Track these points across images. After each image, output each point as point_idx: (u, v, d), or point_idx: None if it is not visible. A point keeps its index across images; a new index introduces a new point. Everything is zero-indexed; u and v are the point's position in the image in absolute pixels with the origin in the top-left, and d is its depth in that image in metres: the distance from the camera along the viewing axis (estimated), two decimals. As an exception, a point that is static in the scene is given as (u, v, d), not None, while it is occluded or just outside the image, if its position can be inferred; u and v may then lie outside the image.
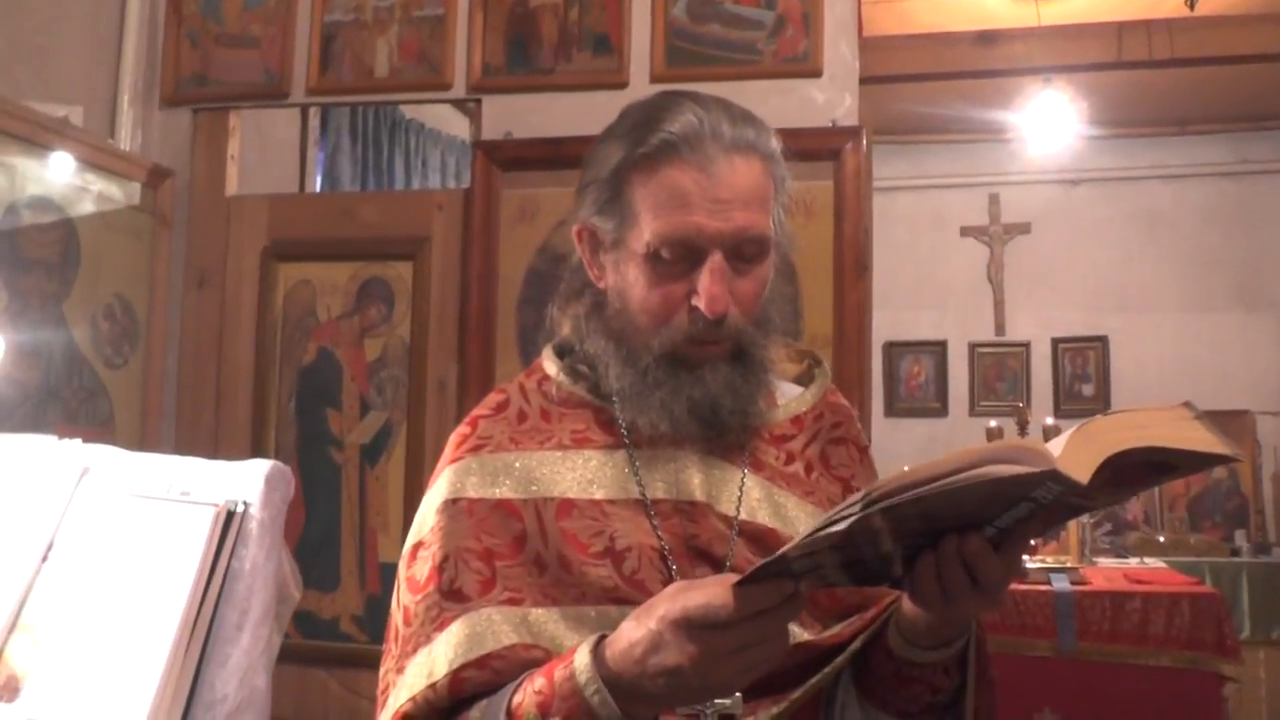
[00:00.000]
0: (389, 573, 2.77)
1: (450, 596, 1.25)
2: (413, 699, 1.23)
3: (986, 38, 5.47)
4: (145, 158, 3.12)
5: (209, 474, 1.36)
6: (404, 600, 1.30)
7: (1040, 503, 0.97)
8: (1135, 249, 7.33)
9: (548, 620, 1.24)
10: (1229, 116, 7.06)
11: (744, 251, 1.28)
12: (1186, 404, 0.99)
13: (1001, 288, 7.57)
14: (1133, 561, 5.17)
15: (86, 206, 2.86)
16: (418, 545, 1.32)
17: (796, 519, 1.34)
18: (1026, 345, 7.52)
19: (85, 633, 1.27)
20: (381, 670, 1.31)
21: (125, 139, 3.13)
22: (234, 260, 3.12)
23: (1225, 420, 5.31)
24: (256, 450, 3.00)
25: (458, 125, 5.25)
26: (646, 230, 1.27)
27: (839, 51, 2.88)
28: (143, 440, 2.97)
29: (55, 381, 2.74)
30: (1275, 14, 5.20)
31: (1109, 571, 4.62)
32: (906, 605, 1.21)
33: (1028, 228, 7.54)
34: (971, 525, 1.04)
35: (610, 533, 1.29)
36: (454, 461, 1.35)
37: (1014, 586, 4.04)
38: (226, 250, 3.13)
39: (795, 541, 0.98)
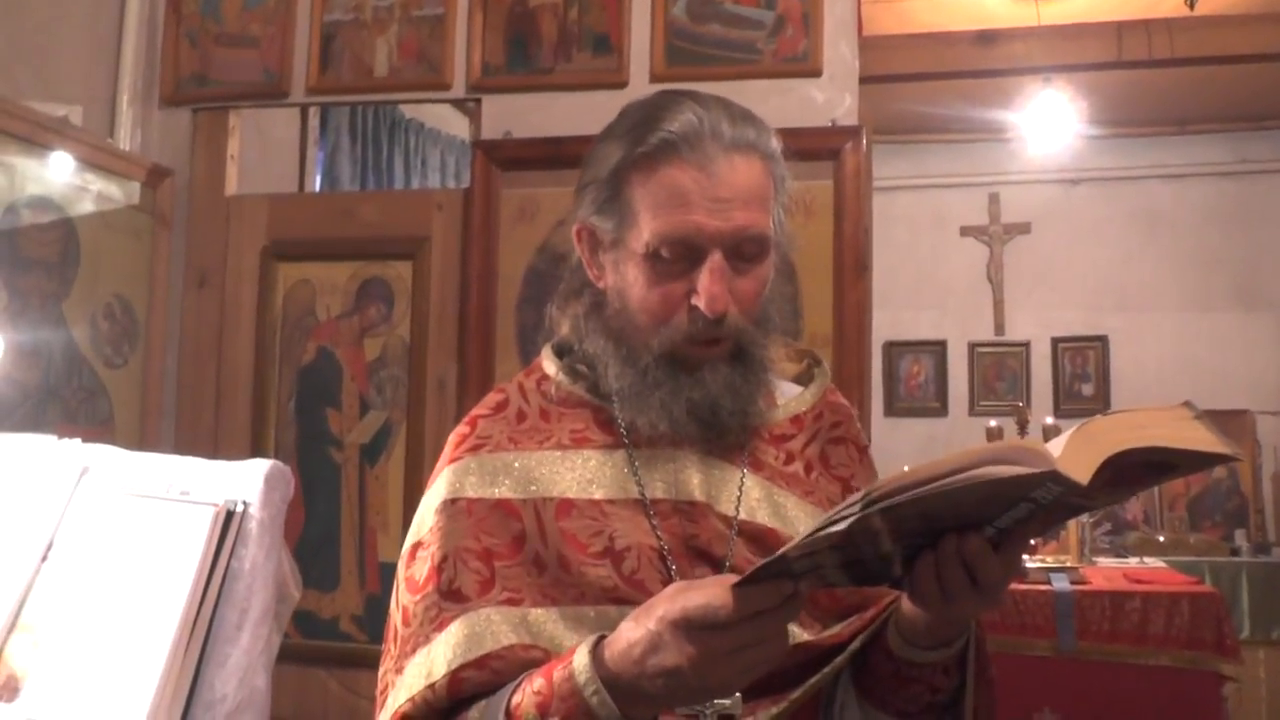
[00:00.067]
0: (388, 572, 2.77)
1: (449, 597, 1.25)
2: (411, 699, 1.23)
3: (986, 37, 5.47)
4: (145, 157, 3.12)
5: (209, 474, 1.36)
6: (403, 600, 1.30)
7: (1040, 503, 0.97)
8: (1135, 248, 7.33)
9: (547, 620, 1.24)
10: (1228, 116, 7.06)
11: (743, 251, 1.28)
12: (1186, 404, 0.99)
13: (1001, 287, 7.57)
14: (1132, 561, 5.16)
15: (86, 206, 2.86)
16: (417, 545, 1.32)
17: (796, 519, 1.34)
18: (1026, 345, 7.52)
19: (85, 632, 1.27)
20: (380, 670, 1.31)
21: (125, 139, 3.13)
22: (234, 260, 3.12)
23: (1225, 420, 5.31)
24: (256, 450, 3.01)
25: (457, 125, 5.25)
26: (646, 230, 1.27)
27: (839, 51, 2.88)
28: (142, 440, 2.97)
29: (55, 381, 2.74)
30: (1275, 14, 5.20)
31: (1109, 571, 4.62)
32: (906, 605, 1.21)
33: (1027, 227, 7.54)
34: (971, 525, 1.04)
35: (609, 533, 1.28)
36: (453, 461, 1.35)
37: (1014, 586, 4.03)
38: (226, 250, 3.13)
39: (795, 542, 0.98)
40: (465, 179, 3.16)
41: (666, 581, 1.26)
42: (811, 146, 2.73)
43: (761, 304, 1.33)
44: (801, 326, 2.75)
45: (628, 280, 1.31)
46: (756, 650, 1.02)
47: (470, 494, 1.31)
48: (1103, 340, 7.37)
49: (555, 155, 2.88)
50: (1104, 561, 5.03)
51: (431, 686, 1.22)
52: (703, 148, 1.25)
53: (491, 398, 1.43)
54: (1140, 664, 3.95)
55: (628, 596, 1.24)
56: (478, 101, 3.08)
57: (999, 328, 7.57)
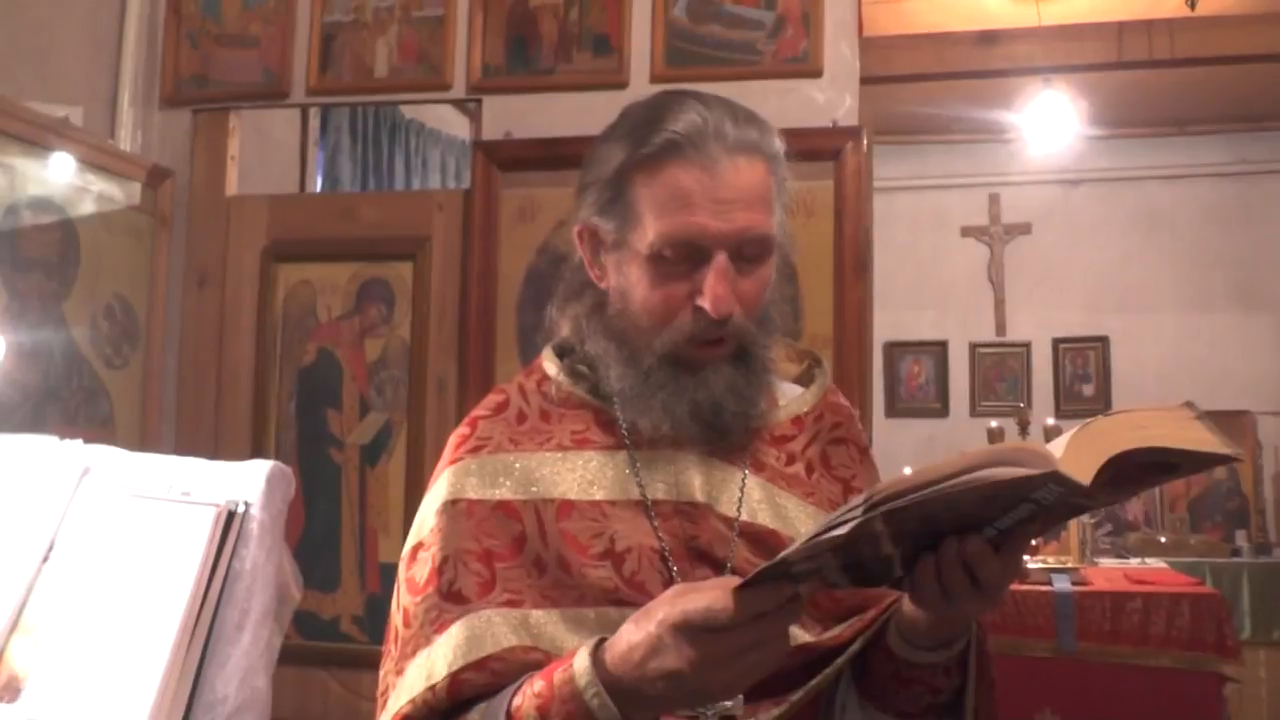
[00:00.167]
0: (389, 573, 2.77)
1: (450, 598, 1.25)
2: (412, 701, 1.22)
3: (987, 38, 5.47)
4: (145, 158, 3.12)
5: (209, 474, 1.36)
6: (403, 602, 1.30)
7: (1042, 504, 0.96)
8: (1135, 249, 7.33)
9: (547, 622, 1.24)
10: (1228, 117, 7.06)
11: (747, 252, 1.28)
12: (1187, 404, 0.99)
13: (1002, 288, 7.57)
14: (1133, 562, 5.17)
15: (86, 207, 2.86)
16: (417, 547, 1.32)
17: (797, 520, 1.34)
18: (1027, 345, 7.52)
19: (86, 633, 1.27)
20: (381, 672, 1.30)
21: (125, 139, 3.13)
22: (234, 260, 3.12)
23: (1226, 420, 5.31)
24: (257, 450, 3.00)
25: (458, 125, 5.25)
26: (650, 230, 1.26)
27: (839, 51, 2.88)
28: (143, 440, 2.97)
29: (55, 382, 2.74)
30: (1275, 14, 5.19)
31: (1109, 572, 4.62)
32: (907, 606, 1.21)
33: (1028, 228, 7.54)
34: (972, 526, 1.04)
35: (610, 534, 1.28)
36: (453, 462, 1.35)
37: (1014, 587, 4.03)
38: (226, 250, 3.13)
39: (796, 546, 0.98)
40: (465, 179, 3.16)
41: (668, 583, 1.26)
42: (812, 147, 2.73)
43: (763, 305, 1.33)
44: (802, 327, 2.75)
45: (631, 281, 1.31)
46: (757, 653, 1.02)
47: (471, 495, 1.31)
48: (1103, 341, 7.36)
49: (555, 156, 2.88)
50: (1105, 562, 5.03)
51: (432, 688, 1.21)
52: (707, 149, 1.25)
53: (492, 399, 1.43)
54: (1141, 665, 3.95)
55: (628, 598, 1.24)
56: (478, 102, 3.08)
57: (1000, 328, 7.56)
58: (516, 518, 1.29)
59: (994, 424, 4.98)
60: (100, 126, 3.11)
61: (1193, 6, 4.99)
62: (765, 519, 1.33)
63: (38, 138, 2.70)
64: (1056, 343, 7.45)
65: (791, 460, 1.40)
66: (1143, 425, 0.94)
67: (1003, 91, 6.23)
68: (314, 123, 3.85)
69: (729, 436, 1.33)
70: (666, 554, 1.29)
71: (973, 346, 7.59)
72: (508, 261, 2.96)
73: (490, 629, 1.22)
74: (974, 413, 7.43)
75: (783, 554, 0.98)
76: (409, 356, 2.99)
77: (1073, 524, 4.44)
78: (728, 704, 1.15)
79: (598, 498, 1.31)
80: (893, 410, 7.58)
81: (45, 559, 1.35)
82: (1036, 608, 4.04)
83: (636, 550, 1.28)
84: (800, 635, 1.25)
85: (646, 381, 1.31)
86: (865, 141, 2.82)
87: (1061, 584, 4.11)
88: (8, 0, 3.02)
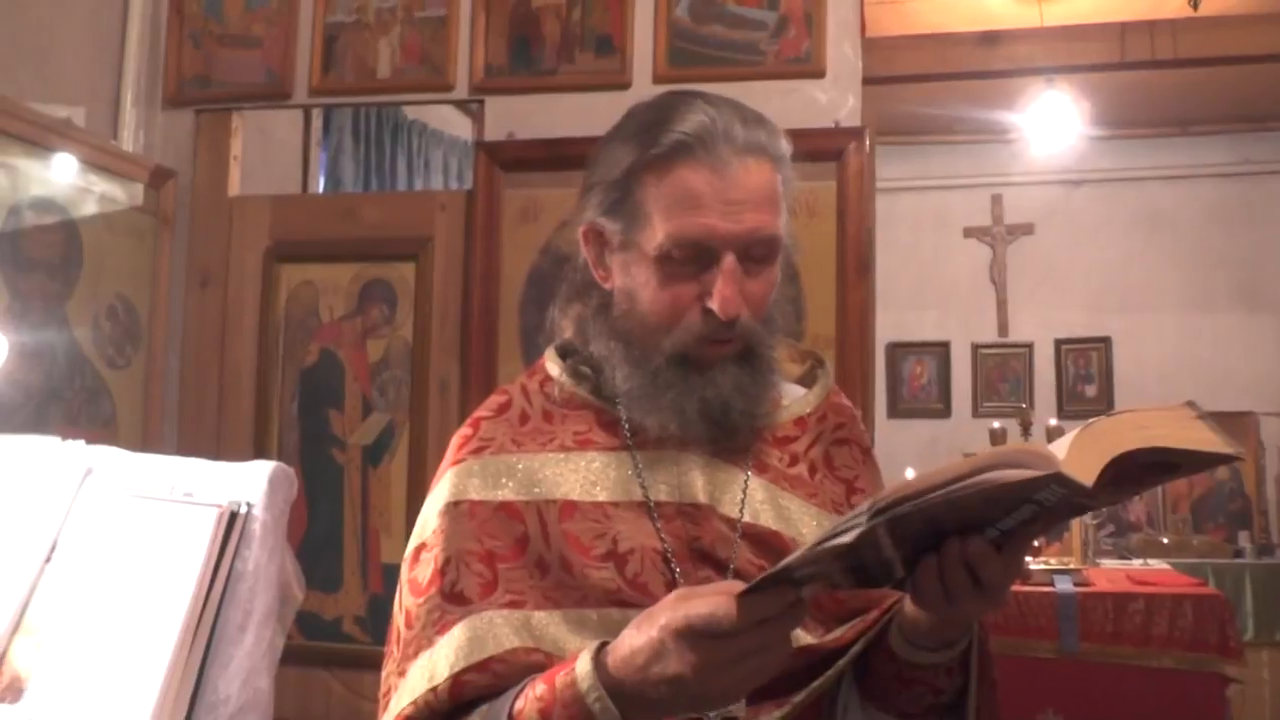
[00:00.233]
0: (391, 573, 2.77)
1: (452, 599, 1.25)
2: (414, 702, 1.22)
3: (989, 38, 5.47)
4: (148, 158, 3.12)
5: (212, 475, 1.36)
6: (406, 603, 1.30)
7: (1044, 505, 0.96)
8: (1138, 249, 7.33)
9: (549, 623, 1.24)
10: (1231, 117, 7.05)
11: (754, 253, 1.28)
12: (1189, 403, 0.99)
13: (1004, 288, 7.57)
14: (1136, 563, 5.17)
15: (89, 207, 2.86)
16: (420, 548, 1.32)
17: (800, 521, 1.34)
18: (1029, 346, 7.51)
19: (88, 634, 1.27)
20: (383, 673, 1.30)
21: (128, 140, 3.13)
22: (236, 261, 3.12)
23: (1228, 421, 5.30)
24: (259, 451, 3.00)
25: (460, 126, 5.25)
26: (659, 231, 1.26)
27: (842, 52, 2.88)
28: (145, 441, 2.97)
29: (58, 382, 2.74)
30: (1278, 14, 5.19)
31: (1112, 573, 4.62)
32: (908, 606, 1.21)
33: (1030, 228, 7.54)
34: (974, 527, 1.04)
35: (613, 535, 1.28)
36: (456, 463, 1.35)
37: (1017, 588, 4.04)
38: (229, 251, 3.13)
39: (800, 553, 0.98)
40: (468, 180, 3.16)
41: (670, 584, 1.26)
42: (814, 147, 2.72)
43: (769, 306, 1.34)
44: (804, 328, 2.75)
45: (638, 281, 1.31)
46: (760, 658, 1.02)
47: (473, 496, 1.31)
48: (1106, 341, 7.36)
49: (558, 156, 2.88)
50: (1107, 563, 5.03)
51: (434, 689, 1.21)
52: (716, 150, 1.25)
53: (494, 399, 1.43)
54: (1143, 666, 3.95)
55: (631, 599, 1.24)
56: (480, 103, 3.08)
57: (1002, 329, 7.56)
58: (519, 518, 1.29)
59: (996, 425, 4.99)
60: (103, 127, 3.11)
61: (1195, 7, 4.99)
62: (768, 520, 1.33)
63: (40, 138, 2.71)
64: (1059, 343, 7.45)
65: (794, 461, 1.40)
66: (1145, 425, 0.94)
67: (1005, 92, 6.23)
68: (316, 123, 3.86)
69: (736, 436, 1.34)
70: (669, 555, 1.28)
71: (975, 347, 7.59)
72: (510, 262, 2.96)
73: (492, 630, 1.22)
74: (976, 413, 7.43)
75: (786, 561, 0.98)
76: (411, 357, 2.99)
77: (1075, 525, 4.44)
78: (730, 706, 1.15)
79: (600, 499, 1.31)
80: (895, 411, 7.58)
81: (48, 560, 1.35)
82: (1039, 608, 4.04)
83: (639, 551, 1.28)
84: (803, 637, 1.25)
85: (655, 381, 1.31)
86: (868, 142, 2.82)
87: (1064, 585, 4.11)
88: (10, 0, 3.02)
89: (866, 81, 2.92)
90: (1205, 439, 0.95)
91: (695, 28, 2.93)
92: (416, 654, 1.24)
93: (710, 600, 1.01)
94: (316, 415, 3.02)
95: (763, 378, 1.34)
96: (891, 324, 6.97)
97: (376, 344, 3.02)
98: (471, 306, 2.95)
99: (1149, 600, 4.02)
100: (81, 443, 1.45)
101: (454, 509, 1.31)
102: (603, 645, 1.10)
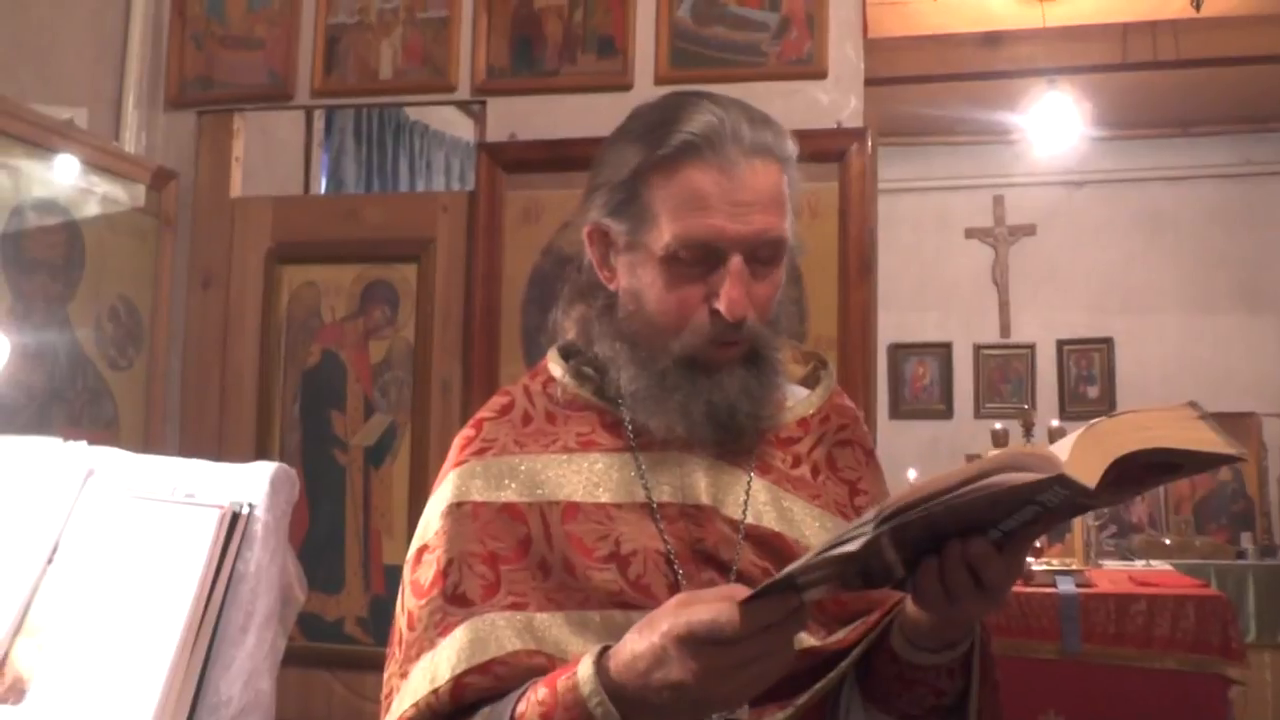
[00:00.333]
0: (394, 574, 2.77)
1: (454, 601, 1.25)
2: (415, 704, 1.22)
3: (991, 39, 5.46)
4: (150, 160, 3.12)
5: (214, 476, 1.36)
6: (408, 605, 1.29)
7: (1046, 506, 0.97)
8: (1139, 250, 7.33)
9: (551, 625, 1.24)
10: (1233, 118, 7.05)
11: (761, 254, 1.28)
12: (1191, 404, 0.99)
13: (1006, 289, 7.57)
14: (1138, 564, 5.16)
15: (91, 208, 2.86)
16: (422, 549, 1.31)
17: (803, 522, 1.34)
18: (1031, 347, 7.51)
19: (90, 635, 1.27)
20: (385, 674, 1.30)
21: (130, 141, 3.13)
22: (238, 262, 3.12)
23: (1231, 422, 5.29)
24: (261, 452, 3.00)
25: (462, 127, 5.25)
26: (666, 232, 1.26)
27: (844, 53, 2.88)
28: (147, 442, 2.97)
29: (60, 383, 2.74)
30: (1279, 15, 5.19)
31: (1114, 574, 4.62)
32: (910, 607, 1.21)
33: (1032, 229, 7.54)
34: (976, 528, 1.04)
35: (616, 536, 1.28)
36: (458, 465, 1.35)
37: (1019, 589, 4.04)
38: (231, 252, 3.13)
39: (804, 561, 0.98)
40: (470, 181, 3.16)
41: (672, 586, 1.26)
42: (816, 148, 2.71)
43: (774, 308, 1.33)
44: (807, 329, 2.75)
45: (644, 283, 1.30)
46: (762, 664, 1.02)
47: (476, 497, 1.31)
48: (1108, 342, 7.36)
49: (560, 157, 2.88)
50: (1109, 564, 5.03)
51: (435, 692, 1.21)
52: (724, 150, 1.25)
53: (497, 400, 1.43)
54: (1145, 667, 3.94)
55: (633, 601, 1.24)
56: (482, 104, 3.08)
57: (1004, 330, 7.56)
58: (522, 520, 1.29)
59: (998, 426, 4.98)
60: (105, 128, 3.11)
61: (1197, 8, 4.98)
62: (771, 522, 1.33)
63: (42, 139, 2.71)
64: (1061, 344, 7.45)
65: (797, 462, 1.39)
66: (1147, 426, 0.94)
67: (1007, 93, 6.22)
68: (318, 124, 3.85)
69: (742, 438, 1.33)
70: (672, 557, 1.28)
71: (977, 348, 7.58)
72: (512, 263, 2.96)
73: (494, 632, 1.22)
74: (978, 414, 7.43)
75: (790, 568, 0.98)
76: (413, 358, 2.99)
77: (1077, 526, 4.44)
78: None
79: (603, 500, 1.31)
80: (897, 412, 7.58)
81: (49, 561, 1.35)
82: (1041, 610, 4.03)
83: (642, 553, 1.28)
84: (805, 639, 1.25)
85: (662, 383, 1.30)
86: (870, 143, 2.82)
87: (1066, 586, 4.11)
88: (12, 1, 3.02)
89: (868, 82, 2.91)
90: (1207, 439, 0.95)
91: (697, 29, 2.93)
92: (418, 656, 1.24)
93: (713, 607, 1.00)
94: (318, 416, 3.02)
95: (768, 380, 1.34)
96: (893, 325, 6.97)
97: (378, 345, 3.02)
98: (473, 307, 2.95)
99: (1151, 601, 4.01)
100: (83, 444, 1.45)
101: (457, 510, 1.30)
102: (605, 649, 1.10)
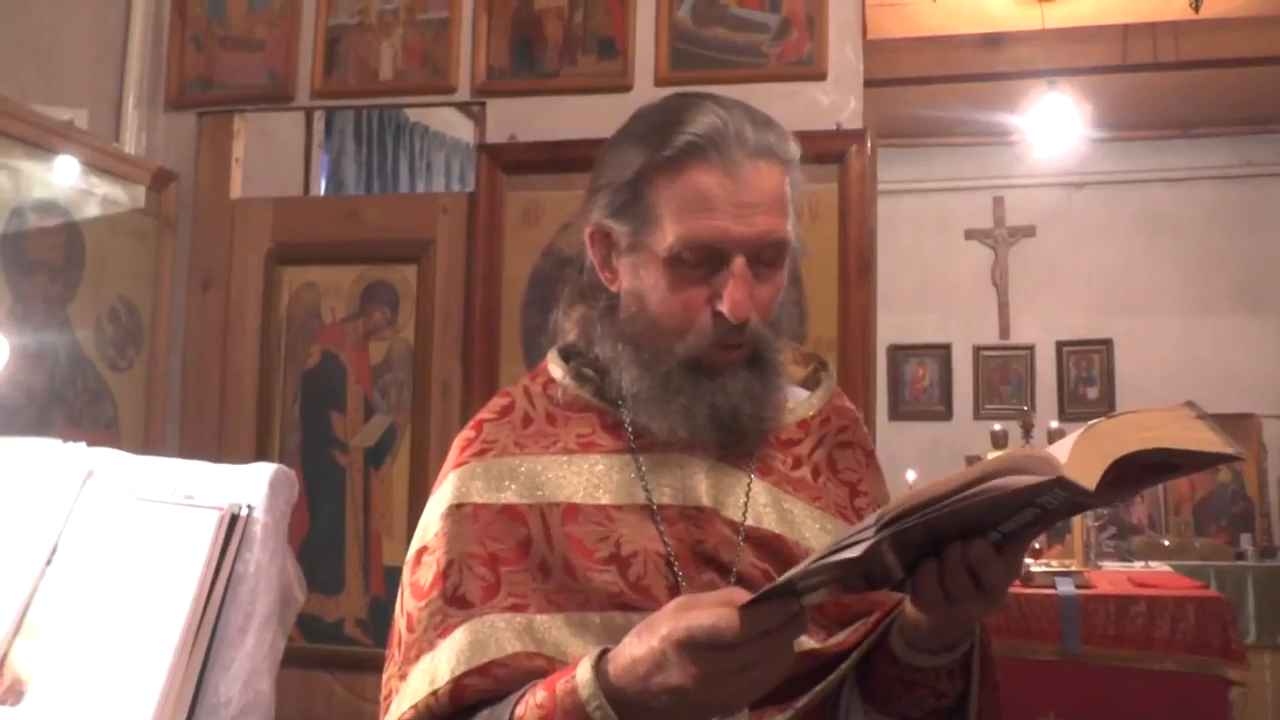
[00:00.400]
0: (393, 576, 2.77)
1: (454, 603, 1.25)
2: (415, 706, 1.22)
3: (991, 40, 5.46)
4: (150, 161, 3.12)
5: (213, 477, 1.36)
6: (408, 606, 1.29)
7: (1046, 508, 0.97)
8: (1139, 252, 7.33)
9: (551, 626, 1.23)
10: (1233, 119, 7.05)
11: (764, 256, 1.28)
12: (1189, 403, 0.99)
13: (1006, 290, 7.57)
14: (1137, 565, 5.16)
15: (91, 209, 2.86)
16: (422, 550, 1.31)
17: (803, 524, 1.34)
18: (1031, 348, 7.51)
19: (89, 636, 1.27)
20: (385, 676, 1.30)
21: (130, 142, 3.13)
22: (238, 263, 3.12)
23: (1231, 424, 5.29)
24: (261, 453, 3.00)
25: (462, 128, 5.25)
26: (669, 233, 1.26)
27: (843, 54, 2.88)
28: (147, 443, 2.97)
29: (59, 384, 2.74)
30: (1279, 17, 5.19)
31: (1113, 575, 4.62)
32: (909, 609, 1.20)
33: (1032, 230, 7.54)
34: (976, 530, 1.04)
35: (616, 538, 1.28)
36: (458, 466, 1.34)
37: (1019, 590, 4.04)
38: (231, 253, 3.13)
39: (805, 565, 0.98)
40: (470, 182, 3.16)
41: (673, 587, 1.26)
42: (816, 150, 2.68)
43: (776, 310, 1.33)
44: (806, 330, 2.75)
45: (647, 284, 1.30)
46: (762, 669, 1.01)
47: (476, 499, 1.31)
48: (1107, 344, 7.36)
49: (560, 158, 2.88)
50: (1109, 565, 5.03)
51: (435, 693, 1.21)
52: (729, 152, 1.25)
53: (497, 402, 1.43)
54: (1145, 668, 3.95)
55: (633, 603, 1.24)
56: (482, 105, 3.08)
57: (1004, 331, 7.56)
58: (522, 521, 1.29)
59: (998, 427, 4.98)
60: (105, 129, 3.11)
61: (1197, 9, 4.99)
62: (771, 523, 1.33)
63: (42, 140, 2.71)
64: (1060, 345, 7.45)
65: (798, 464, 1.39)
66: (1146, 426, 0.94)
67: (1007, 94, 6.23)
68: (318, 125, 3.85)
69: (745, 440, 1.33)
70: (672, 558, 1.28)
71: (977, 349, 7.58)
72: (512, 264, 2.96)
73: (494, 634, 1.22)
74: (978, 415, 7.43)
75: (791, 573, 0.98)
76: (413, 359, 2.99)
77: (1076, 527, 4.44)
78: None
79: (603, 501, 1.30)
80: (896, 413, 7.58)
81: (49, 562, 1.35)
82: (1041, 611, 4.03)
83: (642, 555, 1.27)
84: (805, 641, 1.24)
85: (666, 385, 1.30)
86: (869, 144, 2.82)
87: (1065, 587, 4.11)
88: (12, 2, 3.02)
89: (868, 84, 2.92)
90: (1206, 439, 0.95)
91: (697, 30, 2.93)
92: (418, 657, 1.24)
93: (712, 612, 1.00)
94: (318, 417, 3.02)
95: (770, 382, 1.34)
96: (893, 326, 6.97)
97: (378, 346, 3.02)
98: (473, 308, 2.95)
99: (1151, 603, 4.01)
100: (83, 445, 1.45)
101: (457, 511, 1.30)
102: (604, 653, 1.10)
